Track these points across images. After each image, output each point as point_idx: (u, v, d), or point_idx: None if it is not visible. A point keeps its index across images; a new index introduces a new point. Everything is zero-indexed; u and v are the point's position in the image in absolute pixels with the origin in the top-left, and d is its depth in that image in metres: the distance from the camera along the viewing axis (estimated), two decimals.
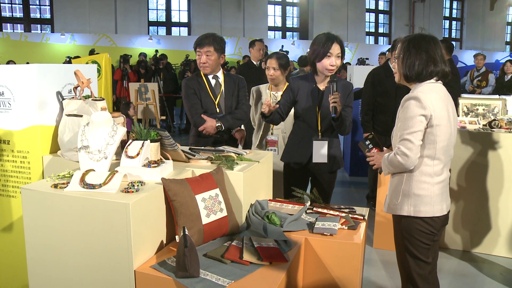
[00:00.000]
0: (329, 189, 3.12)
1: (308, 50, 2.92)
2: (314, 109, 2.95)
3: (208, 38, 3.18)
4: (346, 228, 2.29)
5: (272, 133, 3.63)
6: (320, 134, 2.96)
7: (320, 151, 2.96)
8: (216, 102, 3.24)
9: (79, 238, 1.85)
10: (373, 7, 20.18)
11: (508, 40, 22.61)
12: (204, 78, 3.26)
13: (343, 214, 2.39)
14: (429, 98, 2.08)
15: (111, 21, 15.69)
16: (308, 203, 2.54)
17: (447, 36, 21.46)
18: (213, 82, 3.27)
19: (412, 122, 2.07)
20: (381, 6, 20.46)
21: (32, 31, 15.27)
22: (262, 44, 6.02)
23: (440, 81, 2.21)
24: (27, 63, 9.64)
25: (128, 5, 15.87)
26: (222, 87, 3.28)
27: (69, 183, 1.92)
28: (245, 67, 6.30)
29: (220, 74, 3.31)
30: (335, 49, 2.83)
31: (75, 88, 2.60)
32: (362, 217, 2.43)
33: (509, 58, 15.11)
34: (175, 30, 17.33)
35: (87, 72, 2.73)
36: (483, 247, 3.93)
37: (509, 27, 22.56)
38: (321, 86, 2.96)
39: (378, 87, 4.72)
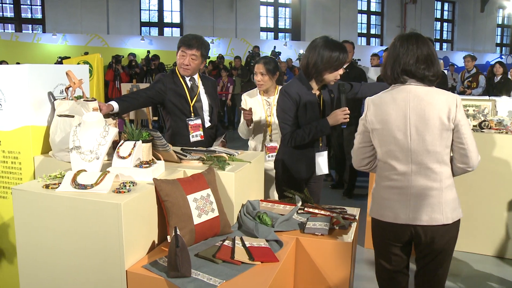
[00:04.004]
0: (320, 190, 3.12)
1: (317, 54, 2.68)
2: (318, 119, 2.74)
3: (198, 41, 3.07)
4: (337, 228, 2.30)
5: (271, 140, 3.52)
6: (320, 144, 2.87)
7: (322, 163, 2.88)
8: (192, 104, 3.15)
9: (71, 239, 1.85)
10: (365, 8, 20.29)
11: (498, 41, 22.83)
12: (180, 78, 3.14)
13: (334, 214, 2.41)
14: (373, 102, 2.10)
15: (103, 21, 15.63)
16: (300, 204, 2.56)
17: (438, 37, 21.63)
18: (189, 84, 3.18)
19: (359, 125, 2.19)
20: (373, 8, 20.58)
21: (23, 31, 15.14)
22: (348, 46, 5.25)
23: (416, 83, 2.02)
24: (17, 63, 9.59)
25: (120, 6, 15.82)
26: (199, 89, 3.21)
27: (60, 183, 1.92)
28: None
29: (196, 77, 3.23)
30: None
31: (67, 88, 2.59)
32: (353, 217, 2.45)
33: (499, 59, 15.26)
34: (167, 31, 17.30)
35: (78, 72, 2.72)
36: (474, 247, 3.97)
37: (499, 29, 22.79)
38: (316, 93, 2.81)
39: None
